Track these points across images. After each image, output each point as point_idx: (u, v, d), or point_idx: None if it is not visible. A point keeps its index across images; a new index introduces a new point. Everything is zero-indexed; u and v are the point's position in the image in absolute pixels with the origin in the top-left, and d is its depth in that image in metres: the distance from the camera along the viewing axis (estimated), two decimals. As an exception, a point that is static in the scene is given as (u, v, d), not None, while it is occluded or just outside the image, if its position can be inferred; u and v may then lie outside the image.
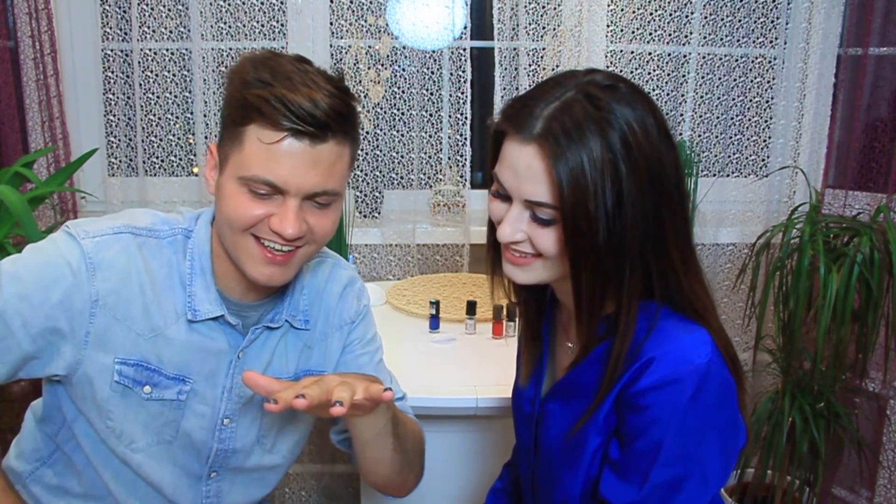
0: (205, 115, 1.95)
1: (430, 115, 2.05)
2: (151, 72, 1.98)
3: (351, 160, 0.93)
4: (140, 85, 1.96)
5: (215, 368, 0.99)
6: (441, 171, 2.10)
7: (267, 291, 1.01)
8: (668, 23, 2.01)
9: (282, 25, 1.98)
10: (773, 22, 2.03)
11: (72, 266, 0.90)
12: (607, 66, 2.01)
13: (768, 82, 2.07)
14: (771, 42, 2.04)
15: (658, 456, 0.81)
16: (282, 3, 1.97)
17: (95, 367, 0.93)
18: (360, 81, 2.00)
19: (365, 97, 2.01)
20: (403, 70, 2.02)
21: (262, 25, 1.98)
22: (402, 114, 2.04)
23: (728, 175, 2.12)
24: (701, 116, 2.06)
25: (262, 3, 1.97)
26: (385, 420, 0.95)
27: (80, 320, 0.91)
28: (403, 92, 2.03)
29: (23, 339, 0.89)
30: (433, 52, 2.01)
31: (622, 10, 1.99)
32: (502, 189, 0.84)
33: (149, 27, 1.95)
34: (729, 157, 2.10)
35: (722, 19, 2.02)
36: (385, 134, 2.05)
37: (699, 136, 2.06)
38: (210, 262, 0.97)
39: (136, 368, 0.94)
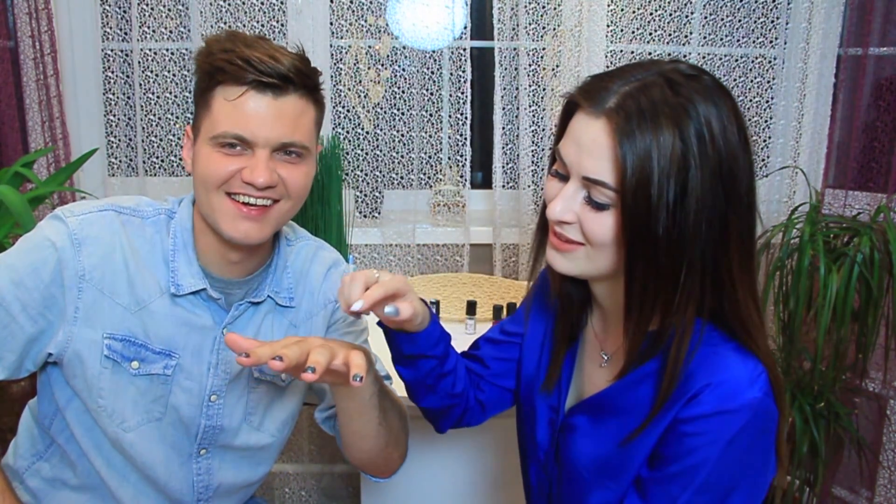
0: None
1: (430, 115, 2.05)
2: (151, 72, 1.98)
3: (317, 121, 0.98)
4: (140, 85, 1.96)
5: (200, 344, 1.01)
6: (441, 171, 2.10)
7: (250, 268, 1.03)
8: (668, 23, 2.01)
9: (282, 25, 1.98)
10: (773, 22, 2.03)
11: (56, 245, 0.93)
12: (607, 66, 2.01)
13: (768, 82, 2.07)
14: (771, 42, 2.04)
15: (692, 483, 0.78)
16: (282, 3, 1.97)
17: (84, 343, 0.95)
18: (360, 81, 2.00)
19: (365, 97, 2.01)
20: (403, 70, 2.02)
21: (262, 25, 1.98)
22: (402, 114, 2.04)
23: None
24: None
25: (262, 3, 1.97)
26: (370, 393, 0.96)
27: (70, 296, 0.94)
28: (403, 92, 2.03)
29: (25, 323, 0.93)
30: (433, 52, 2.01)
31: (622, 10, 1.99)
32: (562, 168, 0.81)
33: (149, 27, 1.95)
34: (729, 157, 2.10)
35: (722, 19, 2.02)
36: (385, 134, 2.05)
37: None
38: (192, 239, 1.00)
39: (124, 343, 0.97)
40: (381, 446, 1.03)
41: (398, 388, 1.15)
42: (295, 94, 0.92)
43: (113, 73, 2.00)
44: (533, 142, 2.02)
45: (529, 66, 1.98)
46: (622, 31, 2.00)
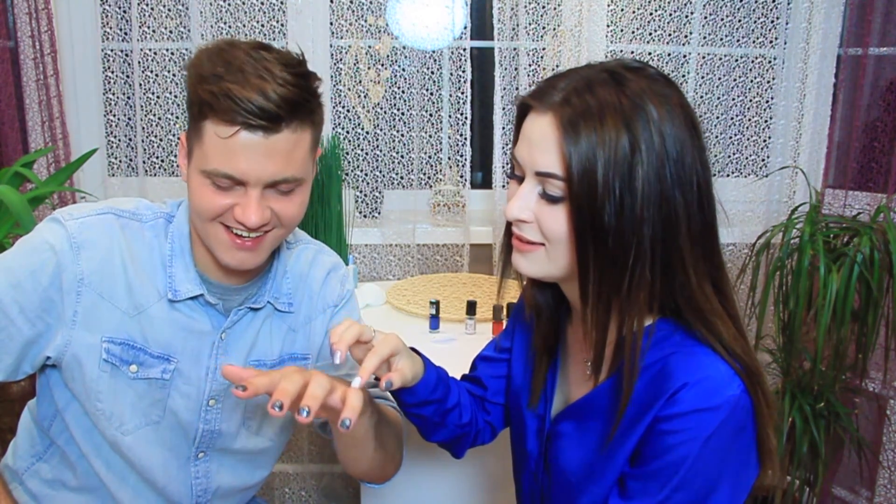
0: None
1: (430, 115, 2.05)
2: (151, 72, 1.98)
3: (313, 143, 0.93)
4: (140, 85, 1.96)
5: (198, 349, 1.00)
6: (441, 171, 2.10)
7: (249, 275, 1.03)
8: (668, 23, 2.01)
9: (282, 25, 1.98)
10: (773, 22, 2.03)
11: (55, 248, 0.93)
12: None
13: (768, 82, 2.07)
14: (771, 42, 2.04)
15: (671, 480, 0.79)
16: (282, 3, 1.97)
17: (83, 347, 0.95)
18: (360, 81, 2.00)
19: (365, 97, 2.01)
20: (403, 70, 2.02)
21: (262, 25, 1.98)
22: (402, 114, 2.04)
23: (728, 175, 2.12)
24: (701, 116, 2.05)
25: (262, 3, 1.97)
26: (367, 427, 0.95)
27: (69, 300, 0.93)
28: (403, 92, 2.03)
29: (23, 325, 0.93)
30: (433, 52, 2.01)
31: (622, 10, 1.99)
32: (519, 168, 0.82)
33: (149, 27, 1.95)
34: (729, 157, 2.11)
35: (722, 19, 2.02)
36: (385, 134, 2.05)
37: (699, 136, 2.06)
38: (190, 245, 0.99)
39: (123, 347, 0.96)
40: (377, 466, 1.03)
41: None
42: (287, 129, 0.87)
43: (113, 73, 2.00)
44: (533, 142, 2.02)
45: (529, 66, 1.98)
46: (622, 31, 2.00)
